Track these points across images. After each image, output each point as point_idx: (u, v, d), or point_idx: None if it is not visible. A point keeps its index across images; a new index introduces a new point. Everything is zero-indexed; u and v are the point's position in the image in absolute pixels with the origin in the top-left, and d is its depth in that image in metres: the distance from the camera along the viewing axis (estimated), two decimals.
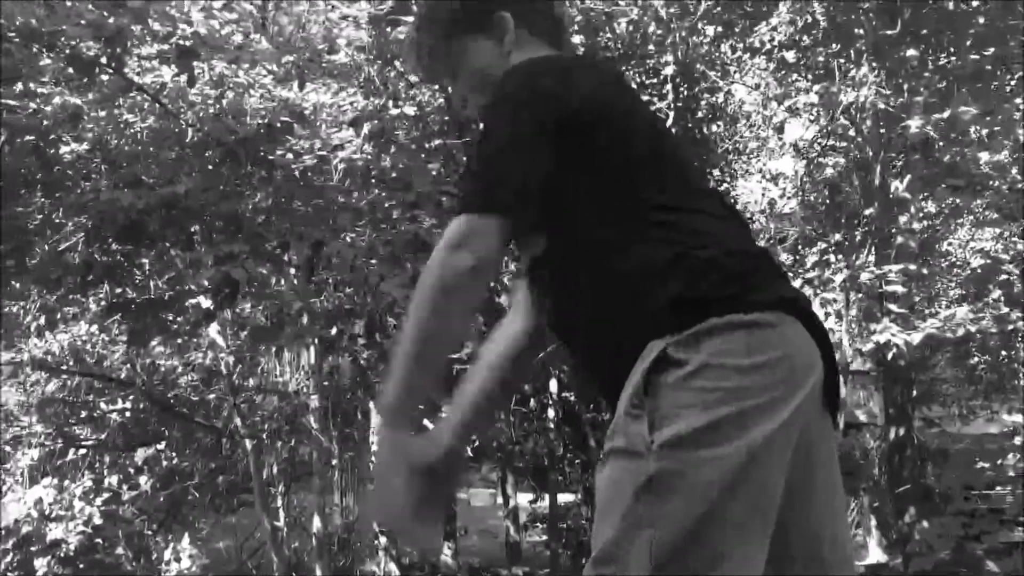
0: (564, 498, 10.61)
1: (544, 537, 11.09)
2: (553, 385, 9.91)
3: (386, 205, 6.68)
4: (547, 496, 10.59)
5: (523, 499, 11.42)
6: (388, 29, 5.67)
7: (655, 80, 9.97)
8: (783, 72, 10.58)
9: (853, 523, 11.96)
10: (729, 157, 12.03)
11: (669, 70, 9.09)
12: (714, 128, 11.32)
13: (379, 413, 1.37)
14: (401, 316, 8.52)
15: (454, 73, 1.69)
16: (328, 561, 8.98)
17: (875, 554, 10.87)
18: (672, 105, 9.07)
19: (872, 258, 9.35)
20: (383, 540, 9.57)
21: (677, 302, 1.37)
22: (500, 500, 12.34)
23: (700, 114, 10.87)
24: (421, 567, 11.22)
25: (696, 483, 1.27)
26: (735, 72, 11.06)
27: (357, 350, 8.47)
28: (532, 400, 9.78)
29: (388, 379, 1.48)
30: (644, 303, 1.39)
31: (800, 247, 10.32)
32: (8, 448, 7.92)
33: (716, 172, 11.88)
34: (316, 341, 8.08)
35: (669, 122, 9.09)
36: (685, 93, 10.17)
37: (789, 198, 11.30)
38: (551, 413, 9.92)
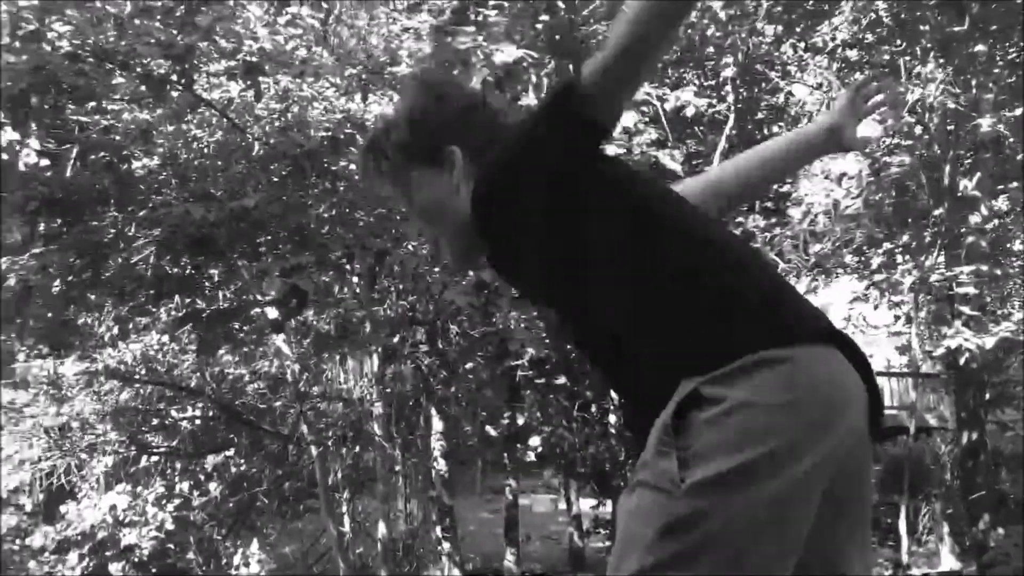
0: None
1: (607, 543, 11.05)
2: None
3: None
4: (609, 502, 10.54)
5: (585, 505, 11.39)
6: (448, 40, 5.71)
7: (714, 83, 9.89)
8: (846, 71, 10.39)
9: (925, 530, 11.70)
10: None
11: (729, 72, 9.00)
12: (775, 129, 11.17)
13: None
14: (463, 323, 8.58)
15: (407, 200, 1.67)
16: (393, 567, 9.06)
17: (948, 562, 10.61)
18: (732, 107, 8.97)
19: (942, 259, 9.12)
20: (446, 546, 9.63)
21: (709, 340, 1.36)
22: (562, 506, 12.33)
23: (760, 115, 10.74)
24: (483, 573, 11.25)
25: (725, 525, 1.26)
26: (796, 72, 10.90)
27: (419, 357, 8.54)
28: (594, 406, 9.75)
29: None
30: (677, 342, 1.39)
31: (866, 249, 10.12)
32: (84, 455, 8.14)
33: None
34: (379, 349, 8.16)
35: (729, 124, 9.00)
36: (745, 95, 10.07)
37: (854, 198, 11.08)
38: (612, 419, 9.88)
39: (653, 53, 1.45)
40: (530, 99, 7.76)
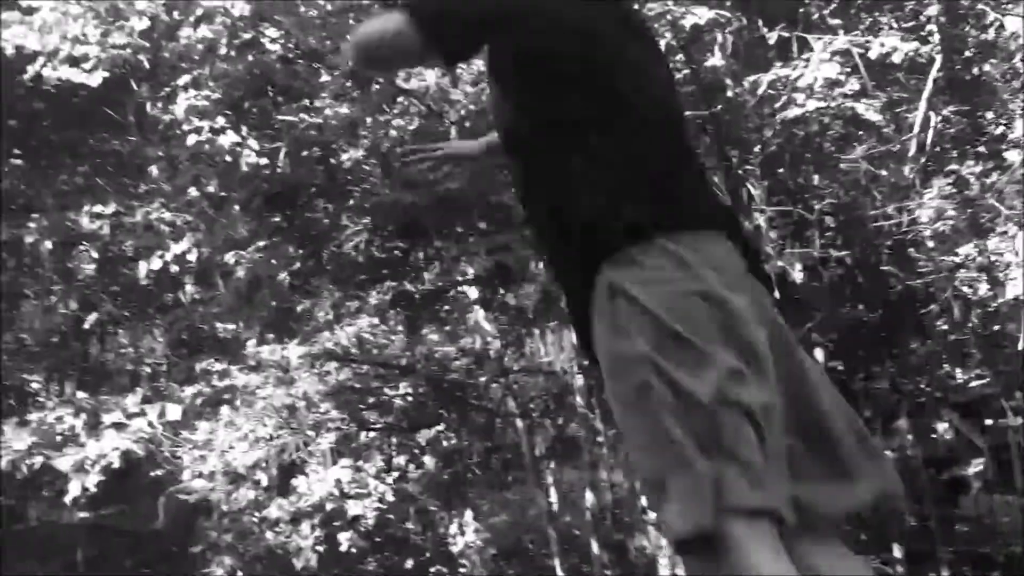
0: None
1: None
2: (819, 354, 9.52)
3: None
4: None
5: None
6: (636, 5, 5.65)
7: (914, 23, 9.27)
8: None
9: None
10: (1004, 97, 10.98)
11: (933, 10, 8.41)
12: (986, 67, 10.36)
13: None
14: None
15: None
16: (602, 536, 9.18)
17: None
18: (938, 48, 8.38)
19: None
20: (652, 515, 9.64)
21: (611, 219, 1.46)
22: None
23: (969, 54, 9.97)
24: (690, 542, 11.18)
25: (647, 302, 1.40)
26: (1007, 3, 10.03)
27: None
28: None
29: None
30: (580, 227, 1.50)
31: None
32: (310, 432, 8.69)
33: (990, 114, 10.90)
34: None
35: (936, 66, 8.42)
36: (950, 32, 9.38)
37: None
38: None
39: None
40: (716, 59, 7.55)
